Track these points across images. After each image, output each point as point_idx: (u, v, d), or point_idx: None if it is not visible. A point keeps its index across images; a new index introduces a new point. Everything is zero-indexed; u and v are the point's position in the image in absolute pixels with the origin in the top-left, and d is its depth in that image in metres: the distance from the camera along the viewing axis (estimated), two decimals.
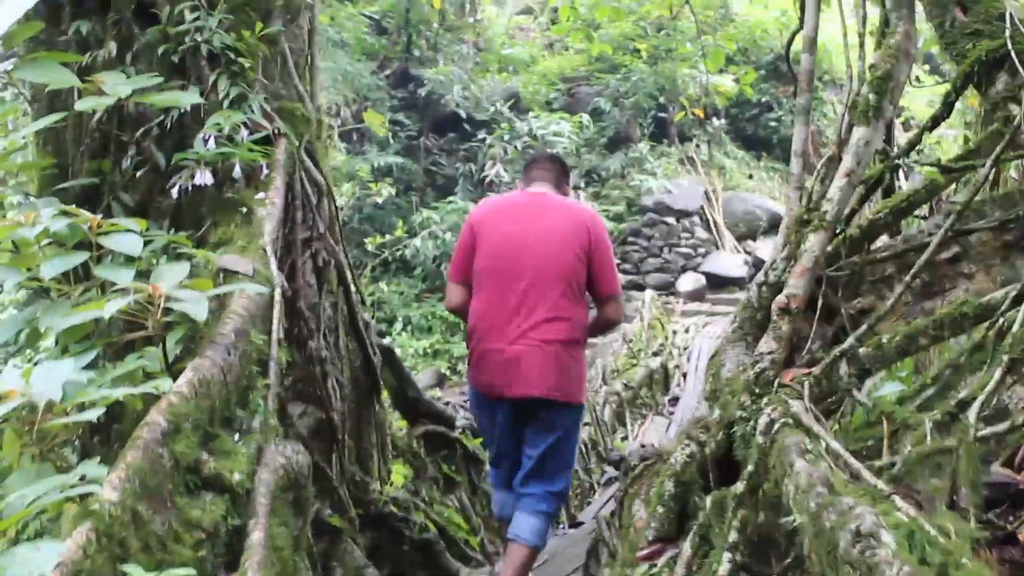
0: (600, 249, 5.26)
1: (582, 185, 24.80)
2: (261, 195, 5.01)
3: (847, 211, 5.07)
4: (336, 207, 5.99)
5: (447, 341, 22.44)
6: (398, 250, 20.98)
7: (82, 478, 2.87)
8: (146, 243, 4.66)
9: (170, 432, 3.31)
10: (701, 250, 25.09)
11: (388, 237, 20.81)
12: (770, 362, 4.83)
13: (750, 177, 27.69)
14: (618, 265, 23.34)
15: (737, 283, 24.09)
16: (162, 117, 5.29)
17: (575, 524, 9.75)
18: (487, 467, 5.74)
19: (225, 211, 5.01)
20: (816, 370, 4.62)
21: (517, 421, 5.24)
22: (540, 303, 5.09)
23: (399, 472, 6.70)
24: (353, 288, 6.15)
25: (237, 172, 5.06)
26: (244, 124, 5.18)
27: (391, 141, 23.93)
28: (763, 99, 27.03)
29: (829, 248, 5.03)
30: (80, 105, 4.54)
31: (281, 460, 3.83)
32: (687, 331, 20.01)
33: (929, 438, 3.73)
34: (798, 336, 5.04)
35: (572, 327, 5.19)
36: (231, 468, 3.54)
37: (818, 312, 5.11)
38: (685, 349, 18.72)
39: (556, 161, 5.68)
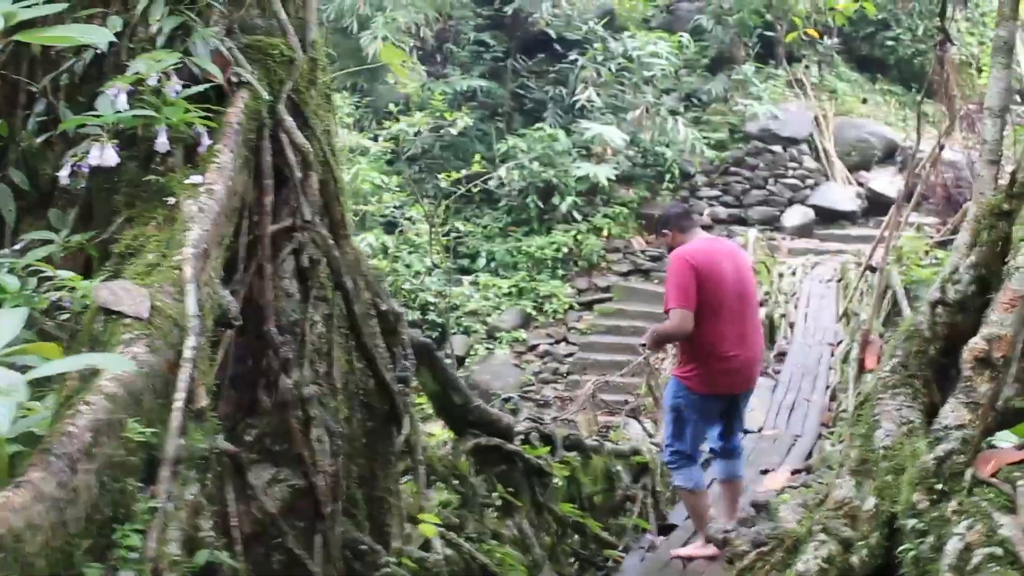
0: None
1: (681, 110, 23.13)
2: (196, 178, 3.38)
3: None
4: (336, 180, 4.29)
5: (533, 279, 21.38)
6: (475, 185, 19.36)
7: None
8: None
9: None
10: (809, 181, 23.61)
11: (463, 172, 19.13)
12: (961, 441, 3.18)
13: (864, 102, 25.99)
14: (718, 197, 21.86)
15: (848, 217, 22.95)
16: (73, 60, 3.72)
17: (664, 527, 8.41)
18: (669, 458, 6.93)
19: (146, 201, 3.41)
20: None
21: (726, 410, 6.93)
22: (752, 321, 6.91)
23: (431, 515, 5.10)
24: (360, 284, 4.46)
25: (162, 143, 3.42)
26: (178, 71, 3.54)
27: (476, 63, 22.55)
28: (880, 16, 24.86)
29: None
30: None
31: None
32: (794, 273, 18.38)
33: None
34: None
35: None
36: None
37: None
38: (792, 295, 17.05)
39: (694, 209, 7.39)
